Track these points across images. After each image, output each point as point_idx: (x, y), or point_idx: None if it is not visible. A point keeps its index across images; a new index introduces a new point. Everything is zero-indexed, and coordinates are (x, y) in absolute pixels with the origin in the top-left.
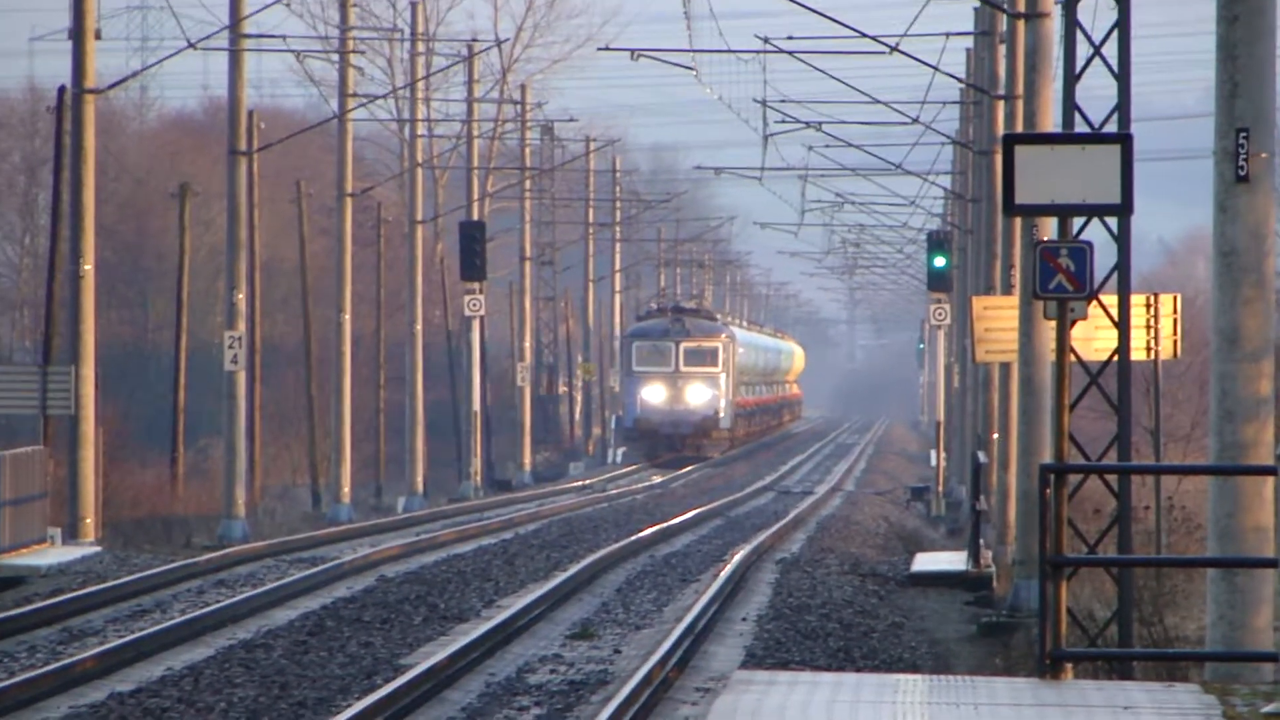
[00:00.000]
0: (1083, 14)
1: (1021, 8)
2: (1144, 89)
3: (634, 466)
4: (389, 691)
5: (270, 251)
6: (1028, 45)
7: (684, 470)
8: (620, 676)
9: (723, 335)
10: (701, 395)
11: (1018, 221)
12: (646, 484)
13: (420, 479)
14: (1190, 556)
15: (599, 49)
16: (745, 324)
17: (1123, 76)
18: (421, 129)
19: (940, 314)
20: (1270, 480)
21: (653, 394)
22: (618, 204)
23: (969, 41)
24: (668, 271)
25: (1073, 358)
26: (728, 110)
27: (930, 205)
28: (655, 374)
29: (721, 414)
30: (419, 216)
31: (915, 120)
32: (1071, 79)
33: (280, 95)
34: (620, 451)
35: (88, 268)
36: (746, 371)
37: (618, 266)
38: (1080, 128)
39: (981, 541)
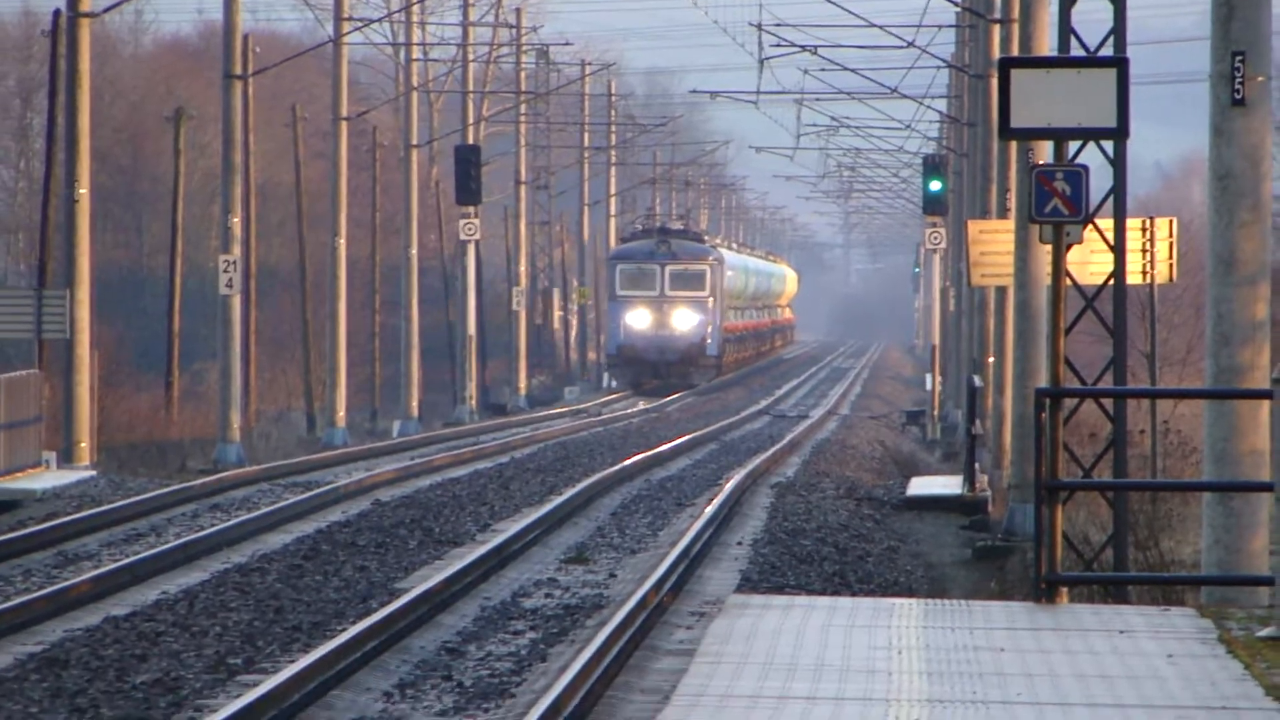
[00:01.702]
0: None
1: None
2: (1139, 12)
3: (618, 394)
4: (384, 615)
5: (265, 176)
6: None
7: (670, 398)
8: (615, 601)
9: (710, 258)
10: (688, 320)
11: (1013, 145)
12: (641, 408)
13: (415, 403)
14: (1186, 480)
15: None
16: (735, 246)
17: (1118, 0)
18: (417, 53)
19: (936, 238)
20: (1266, 404)
21: (637, 319)
22: (613, 128)
23: None
24: (663, 195)
25: (1068, 282)
26: (723, 34)
27: (926, 129)
28: (640, 298)
29: (709, 340)
30: (414, 141)
31: (911, 44)
32: (1067, 2)
33: (275, 19)
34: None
35: (83, 192)
36: (736, 295)
37: (613, 191)
38: (1076, 51)
39: (977, 466)
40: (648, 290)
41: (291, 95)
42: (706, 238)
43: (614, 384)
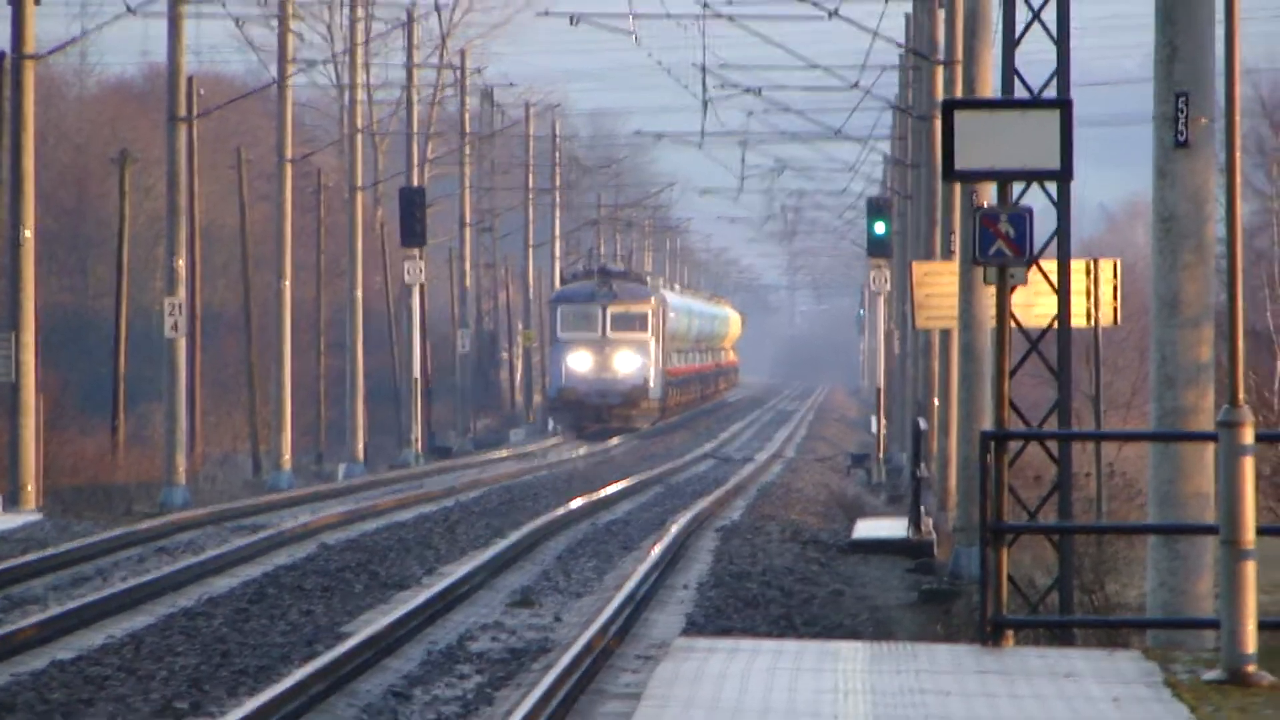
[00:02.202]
0: None
1: None
2: (1084, 54)
3: (563, 438)
4: (330, 659)
5: (210, 218)
6: (967, 10)
7: (611, 442)
8: (561, 644)
9: (652, 299)
10: (630, 363)
11: (957, 187)
12: (586, 452)
13: (361, 446)
14: (1131, 523)
15: (538, 14)
16: (678, 287)
17: (1062, 41)
18: (361, 95)
19: (880, 280)
20: (1211, 446)
21: (578, 362)
22: (557, 169)
23: (908, 6)
24: (607, 236)
25: (1013, 324)
26: (667, 76)
27: (870, 171)
28: (580, 340)
29: (651, 383)
30: (359, 182)
31: (855, 85)
32: (1011, 44)
33: (220, 61)
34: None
35: (27, 234)
36: (679, 337)
37: (558, 232)
38: (1020, 93)
39: (922, 508)
40: (589, 332)
41: (236, 137)
42: (649, 279)
43: (554, 428)
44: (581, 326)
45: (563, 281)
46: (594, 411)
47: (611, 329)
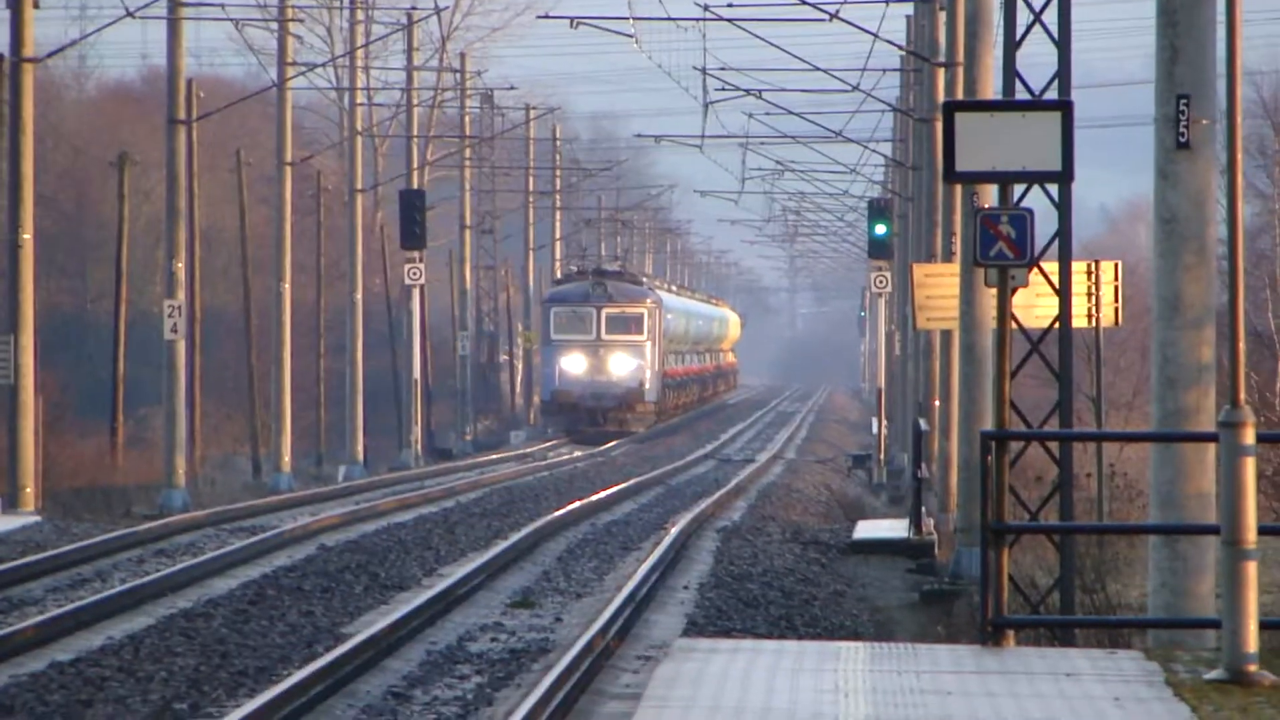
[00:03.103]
0: None
1: None
2: (1085, 55)
3: (563, 439)
4: (330, 660)
5: (210, 220)
6: (968, 12)
7: (606, 446)
8: (561, 645)
9: (648, 300)
10: (625, 365)
11: (958, 189)
12: (587, 453)
13: (361, 448)
14: (1132, 524)
15: (538, 16)
16: (675, 288)
17: (1063, 43)
18: (361, 97)
19: (881, 281)
20: (1212, 447)
21: (572, 364)
22: (558, 172)
23: (909, 8)
24: (607, 238)
25: (1013, 325)
26: (668, 78)
27: (871, 173)
28: (574, 342)
29: (647, 385)
30: (359, 185)
31: (856, 88)
32: (1012, 46)
33: (219, 64)
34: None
35: (26, 237)
36: (676, 339)
37: (558, 235)
38: (1021, 95)
39: (923, 509)
40: (583, 334)
41: (235, 140)
42: (644, 279)
43: (549, 431)
44: (575, 329)
45: (555, 282)
46: (589, 415)
47: (606, 331)
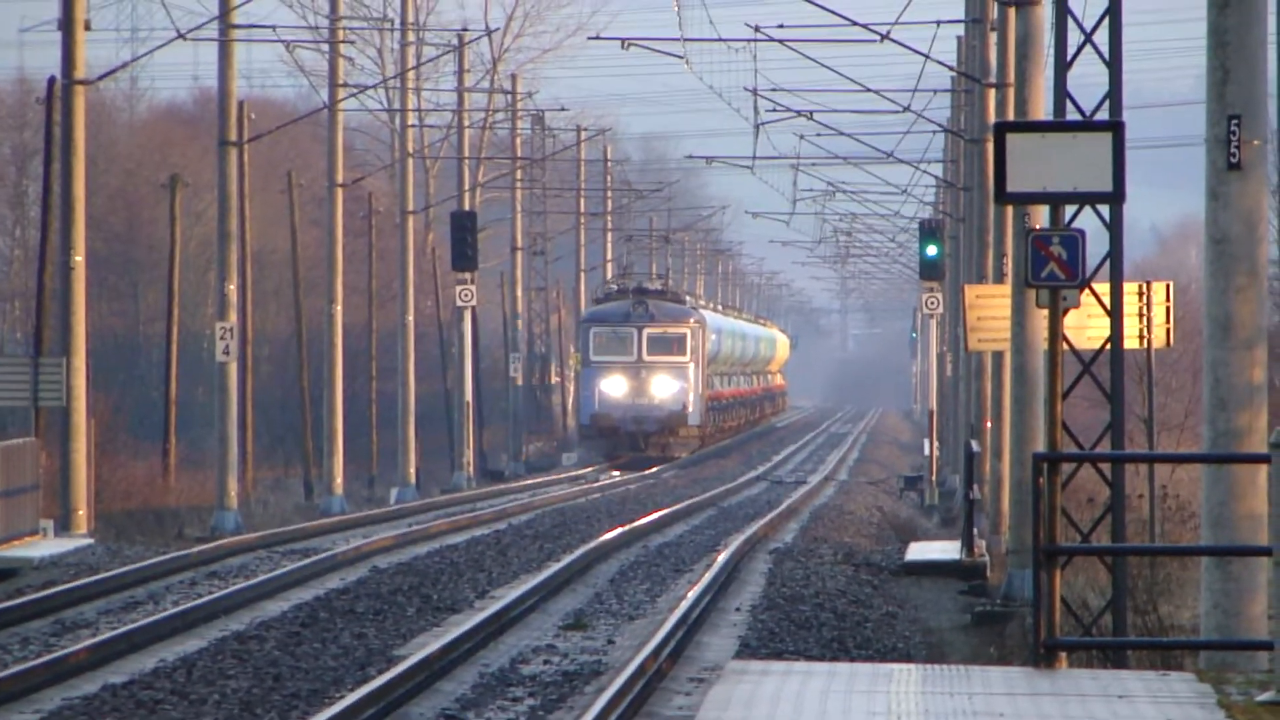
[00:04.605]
0: (1074, 1)
1: None
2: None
3: (587, 469)
4: (383, 683)
5: (261, 242)
6: (1019, 33)
7: (649, 471)
8: (614, 667)
9: (691, 320)
10: (667, 388)
11: (1009, 210)
12: (638, 474)
13: (413, 470)
14: (1184, 545)
15: (589, 38)
16: (720, 308)
17: (1114, 64)
18: (412, 119)
19: (932, 303)
20: (1264, 468)
21: (612, 386)
22: (609, 193)
23: (960, 29)
24: (659, 261)
25: (1065, 346)
26: (719, 99)
27: (922, 194)
28: (615, 364)
29: (690, 408)
30: (410, 207)
31: (906, 109)
32: (1063, 66)
33: (270, 86)
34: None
35: (78, 259)
36: (720, 360)
37: (609, 256)
38: (1072, 115)
39: (975, 530)
40: (623, 355)
41: (287, 162)
42: (688, 298)
43: (585, 458)
44: (615, 350)
45: (595, 301)
46: (629, 439)
47: (648, 352)
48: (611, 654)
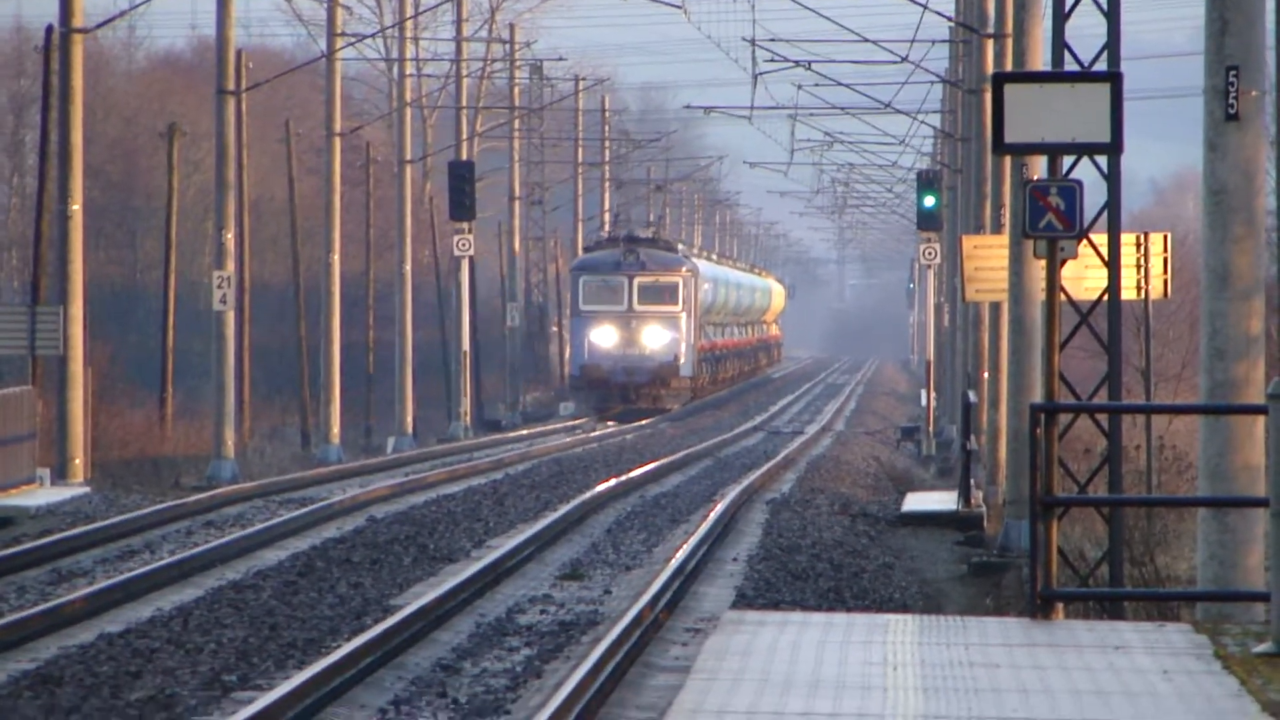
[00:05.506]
0: None
1: None
2: (1134, 27)
3: (582, 419)
4: (379, 632)
5: (259, 191)
6: None
7: (640, 423)
8: (610, 617)
9: (684, 269)
10: (659, 338)
11: (1007, 160)
12: (635, 425)
13: (410, 419)
14: (1181, 496)
15: None
16: (714, 257)
17: (1112, 14)
18: (410, 68)
19: (930, 253)
20: (1261, 419)
21: (602, 336)
22: (607, 143)
23: None
24: (655, 210)
25: (1063, 297)
26: (717, 49)
27: (920, 144)
28: (605, 313)
29: (682, 359)
30: (408, 156)
31: (904, 59)
32: (1061, 17)
33: (268, 35)
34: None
35: (75, 208)
36: (714, 310)
37: (607, 206)
38: (1070, 66)
39: (972, 481)
40: (614, 305)
41: (285, 111)
42: (681, 246)
43: (574, 409)
44: (606, 299)
45: (584, 250)
46: (620, 391)
47: (639, 301)
48: (608, 604)
